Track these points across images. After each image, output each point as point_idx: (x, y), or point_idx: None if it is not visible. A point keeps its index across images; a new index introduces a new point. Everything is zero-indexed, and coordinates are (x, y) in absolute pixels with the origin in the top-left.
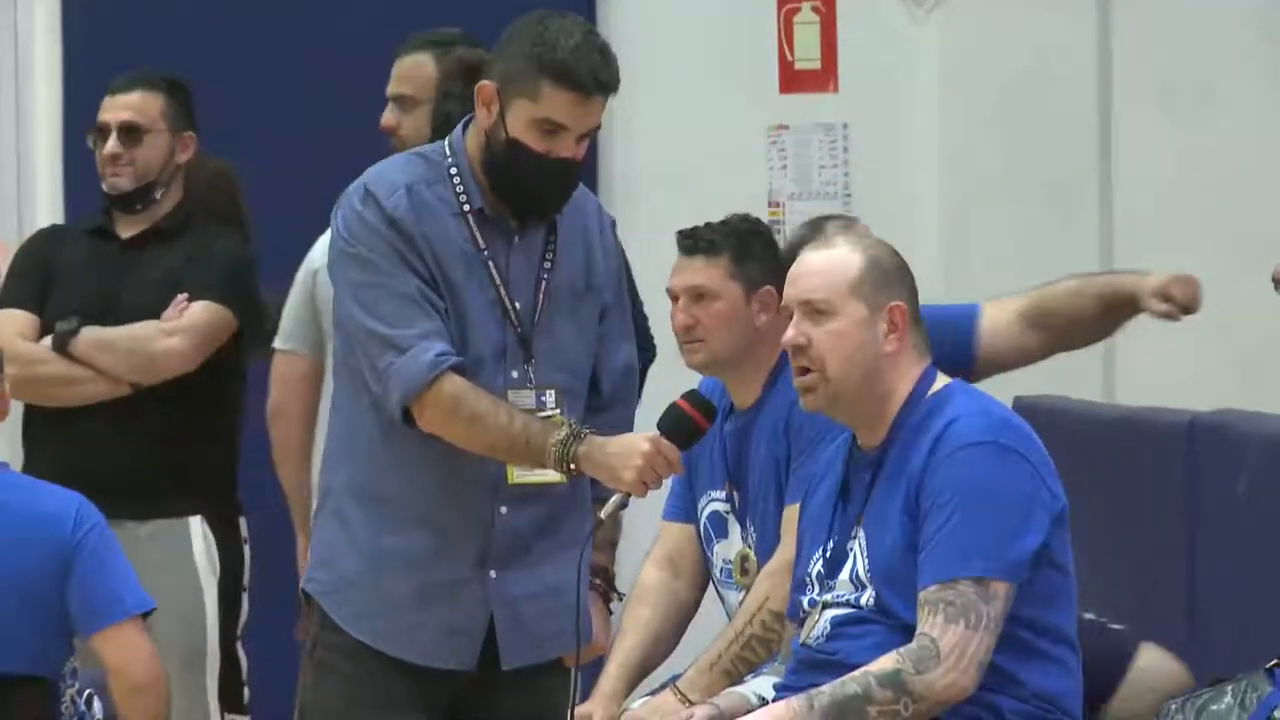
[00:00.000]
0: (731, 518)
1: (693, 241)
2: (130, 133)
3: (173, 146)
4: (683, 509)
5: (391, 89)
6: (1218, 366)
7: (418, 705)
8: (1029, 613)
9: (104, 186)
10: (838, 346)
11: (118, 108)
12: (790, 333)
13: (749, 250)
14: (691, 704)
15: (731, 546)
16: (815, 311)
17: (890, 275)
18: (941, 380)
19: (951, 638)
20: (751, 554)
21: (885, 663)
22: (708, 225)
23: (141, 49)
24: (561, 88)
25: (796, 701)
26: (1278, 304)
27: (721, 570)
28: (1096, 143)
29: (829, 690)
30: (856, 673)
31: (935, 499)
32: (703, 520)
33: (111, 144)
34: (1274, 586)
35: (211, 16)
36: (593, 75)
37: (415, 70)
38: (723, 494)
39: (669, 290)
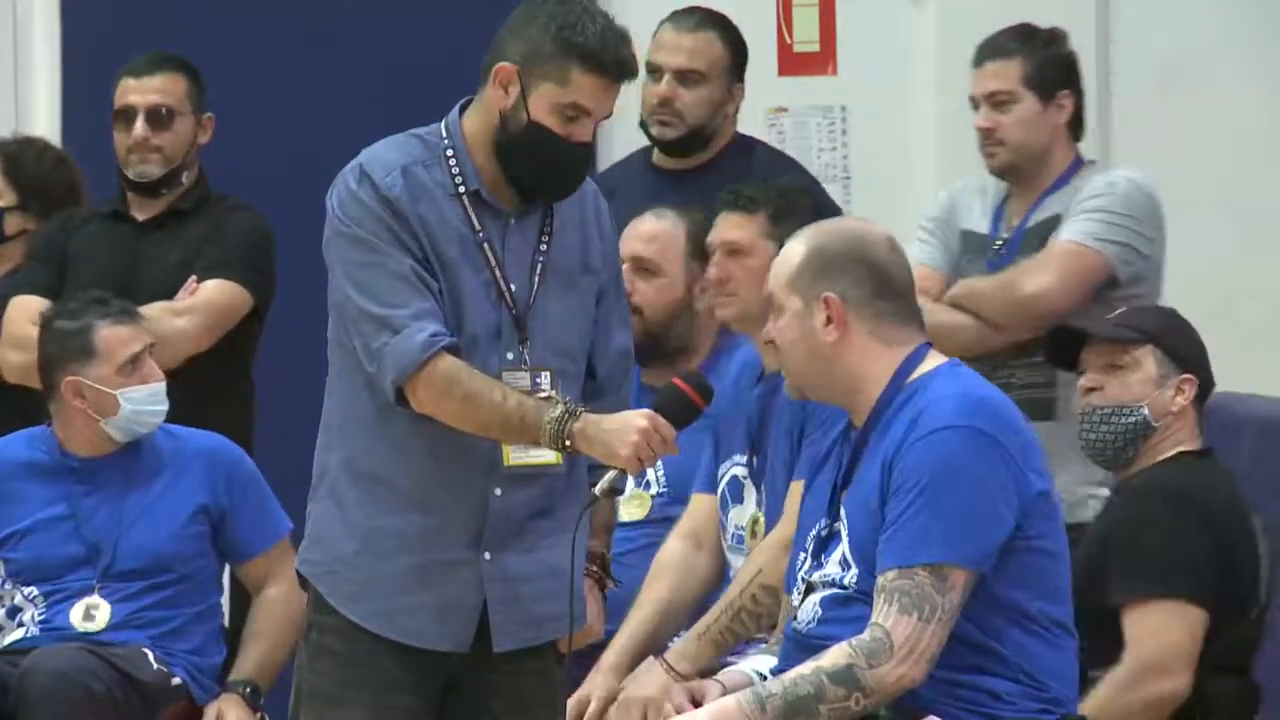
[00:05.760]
0: (749, 483)
1: (733, 197)
2: (159, 117)
3: (195, 129)
4: (710, 480)
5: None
6: (1215, 348)
7: (412, 686)
8: (1016, 596)
9: (129, 174)
10: (783, 340)
11: (144, 91)
12: (766, 327)
13: (789, 211)
14: (678, 674)
15: (745, 511)
16: (773, 307)
17: (832, 264)
18: (932, 361)
19: (904, 630)
20: (763, 518)
21: (838, 656)
22: (755, 184)
23: (140, 46)
24: (591, 73)
25: (746, 701)
26: (1276, 285)
27: (733, 535)
28: (1095, 125)
29: (780, 691)
30: (808, 669)
31: (902, 482)
32: (722, 486)
33: (140, 128)
34: None
35: (211, 13)
36: (619, 62)
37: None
38: (744, 458)
39: (708, 244)
